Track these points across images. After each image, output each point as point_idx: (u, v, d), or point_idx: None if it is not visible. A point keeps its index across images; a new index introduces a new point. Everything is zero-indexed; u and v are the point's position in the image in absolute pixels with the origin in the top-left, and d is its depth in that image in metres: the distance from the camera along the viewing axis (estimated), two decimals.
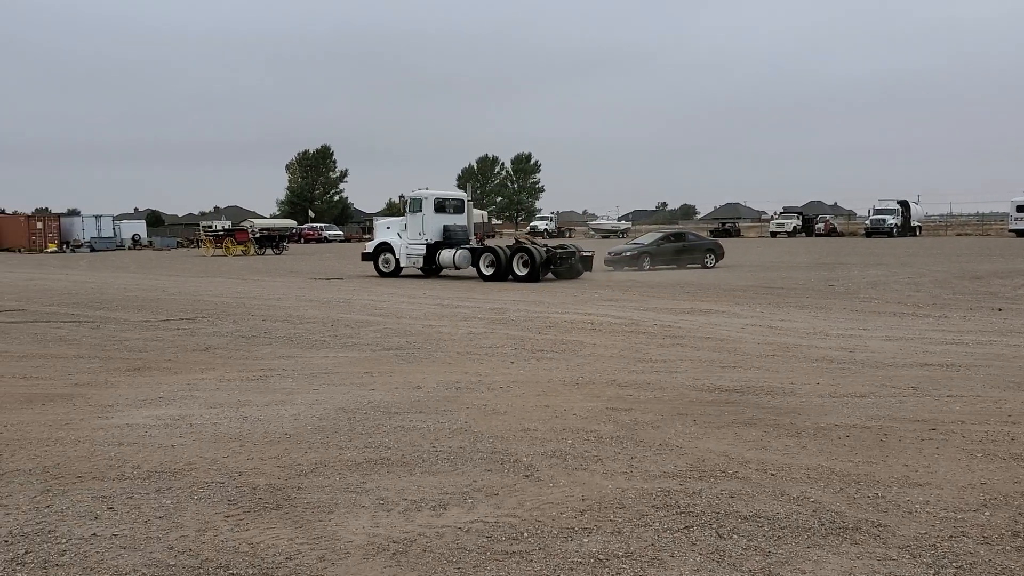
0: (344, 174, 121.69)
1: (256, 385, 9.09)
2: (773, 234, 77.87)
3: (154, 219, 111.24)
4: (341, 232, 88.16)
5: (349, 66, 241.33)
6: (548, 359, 10.63)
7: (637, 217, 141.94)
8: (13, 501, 5.32)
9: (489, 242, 32.55)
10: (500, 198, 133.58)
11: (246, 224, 68.95)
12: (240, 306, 17.65)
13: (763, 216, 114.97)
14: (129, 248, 67.00)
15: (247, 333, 13.33)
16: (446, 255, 26.83)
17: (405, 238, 27.88)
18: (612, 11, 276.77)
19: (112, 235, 67.85)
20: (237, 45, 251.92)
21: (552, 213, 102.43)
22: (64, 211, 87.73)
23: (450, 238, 27.40)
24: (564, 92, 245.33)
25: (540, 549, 4.51)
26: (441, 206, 27.96)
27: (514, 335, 12.79)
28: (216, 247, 51.52)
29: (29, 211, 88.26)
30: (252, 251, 49.57)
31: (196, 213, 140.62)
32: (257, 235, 53.00)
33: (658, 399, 8.14)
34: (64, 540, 4.67)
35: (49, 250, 61.74)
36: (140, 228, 75.22)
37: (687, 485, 5.54)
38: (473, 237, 28.40)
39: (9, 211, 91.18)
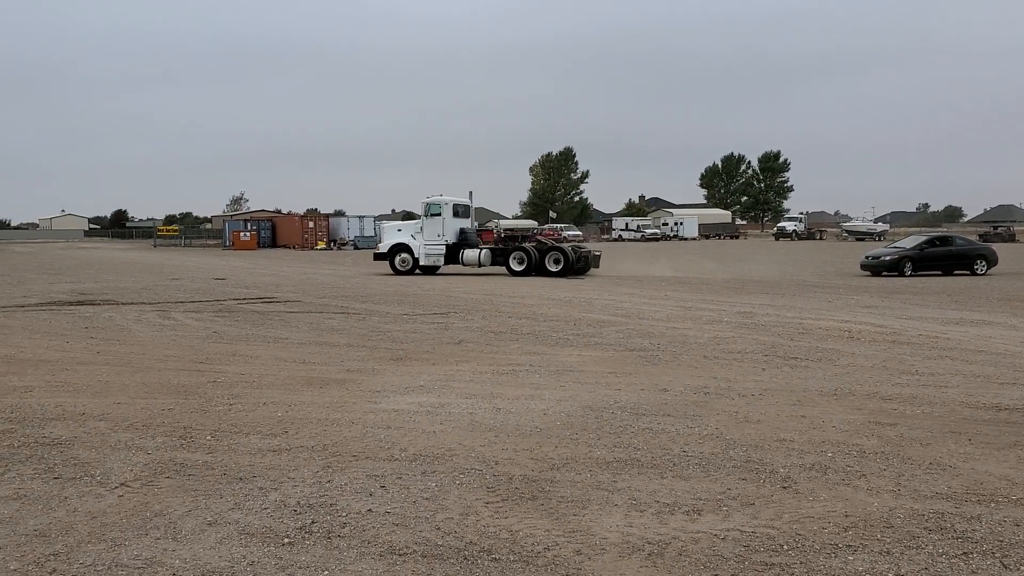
0: (585, 175, 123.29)
1: (506, 379, 9.43)
2: None
3: (409, 219, 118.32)
4: (580, 232, 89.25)
5: (595, 68, 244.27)
6: (802, 367, 10.18)
7: (895, 219, 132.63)
8: (299, 474, 5.88)
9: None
10: (745, 197, 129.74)
11: (491, 224, 71.62)
12: (488, 303, 18.40)
13: None
14: None
15: (495, 329, 13.87)
16: (470, 254, 29.72)
17: (421, 239, 30.07)
18: (877, 4, 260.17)
19: (373, 234, 73.02)
20: (499, 57, 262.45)
21: (801, 214, 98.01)
22: (331, 212, 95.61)
23: (466, 239, 30.19)
24: (818, 89, 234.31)
25: (801, 563, 4.34)
26: (457, 211, 30.57)
27: (764, 341, 12.36)
28: None
29: (301, 212, 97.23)
30: None
31: None
32: (502, 235, 54.93)
33: (926, 415, 7.56)
34: (344, 514, 5.10)
35: (319, 247, 67.61)
36: None
37: (963, 508, 5.11)
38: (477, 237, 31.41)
39: (284, 211, 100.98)
